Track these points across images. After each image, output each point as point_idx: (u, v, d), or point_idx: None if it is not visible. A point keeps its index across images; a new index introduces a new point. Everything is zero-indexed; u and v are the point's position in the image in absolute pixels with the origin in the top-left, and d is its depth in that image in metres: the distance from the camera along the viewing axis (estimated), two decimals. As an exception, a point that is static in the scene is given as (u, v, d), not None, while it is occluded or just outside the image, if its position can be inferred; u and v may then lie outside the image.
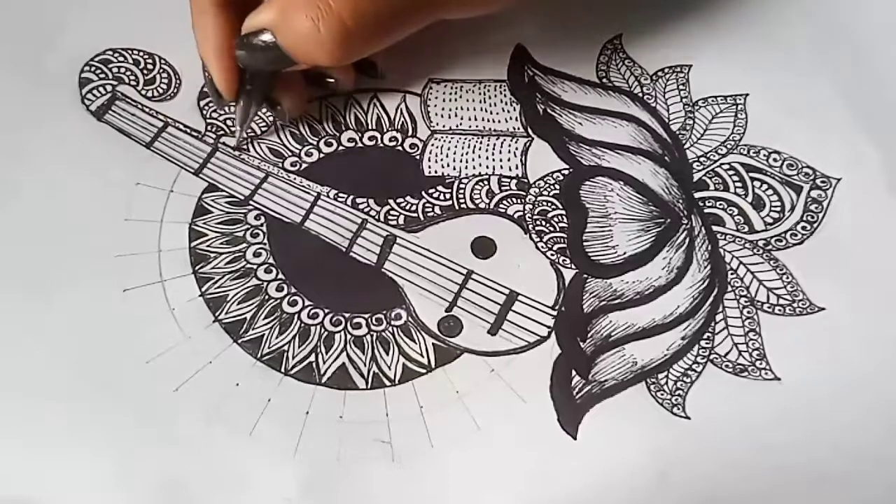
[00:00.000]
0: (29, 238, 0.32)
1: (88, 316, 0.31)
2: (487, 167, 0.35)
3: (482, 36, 0.38)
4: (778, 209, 0.34)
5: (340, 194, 0.34)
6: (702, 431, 0.30)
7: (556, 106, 0.37)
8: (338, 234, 0.33)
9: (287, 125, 0.35)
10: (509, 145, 0.36)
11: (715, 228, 0.34)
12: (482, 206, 0.34)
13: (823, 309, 0.32)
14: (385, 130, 0.36)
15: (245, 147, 0.35)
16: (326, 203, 0.34)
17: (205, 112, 0.36)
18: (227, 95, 0.32)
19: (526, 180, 0.35)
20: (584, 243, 0.34)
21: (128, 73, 0.36)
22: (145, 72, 0.36)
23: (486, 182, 0.35)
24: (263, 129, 0.35)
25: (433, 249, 0.33)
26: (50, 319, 0.31)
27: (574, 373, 0.31)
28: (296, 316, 0.32)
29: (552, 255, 0.33)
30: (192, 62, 0.36)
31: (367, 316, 0.32)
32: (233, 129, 0.35)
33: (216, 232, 0.33)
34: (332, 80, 0.35)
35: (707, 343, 0.32)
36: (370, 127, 0.36)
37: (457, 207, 0.34)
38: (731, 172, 0.35)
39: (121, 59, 0.37)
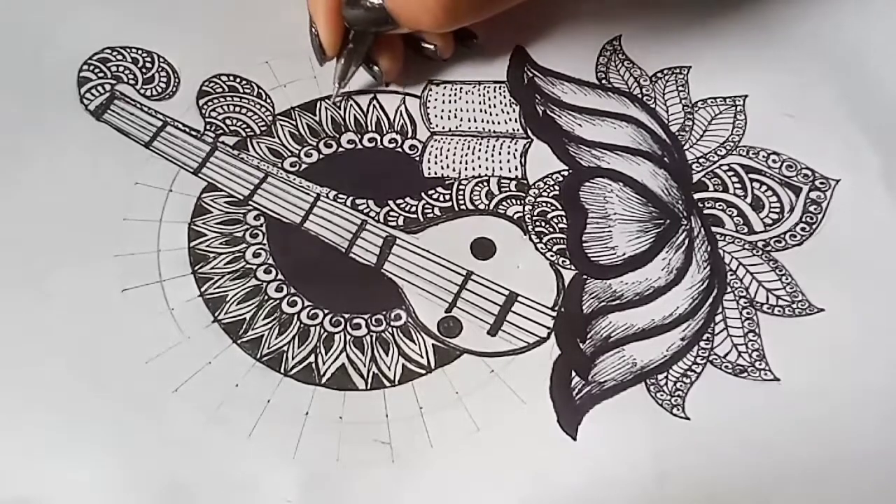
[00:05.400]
0: (27, 238, 0.32)
1: (87, 316, 0.31)
2: (487, 168, 0.35)
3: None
4: (777, 210, 0.35)
5: (340, 195, 0.34)
6: (701, 432, 0.30)
7: (556, 107, 0.37)
8: (337, 234, 0.33)
9: (383, 86, 0.36)
10: (509, 146, 0.36)
11: (714, 229, 0.34)
12: (482, 207, 0.34)
13: (823, 310, 0.32)
14: (385, 132, 0.36)
15: (340, 102, 0.36)
16: (326, 204, 0.34)
17: (203, 111, 0.35)
18: (329, 52, 0.34)
19: (525, 181, 0.35)
20: (584, 244, 0.34)
21: (126, 71, 0.36)
22: (144, 70, 0.36)
23: (485, 183, 0.35)
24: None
25: (433, 250, 0.33)
26: (49, 319, 0.31)
27: (574, 374, 0.31)
28: (295, 316, 0.32)
29: (552, 255, 0.33)
30: (191, 60, 0.36)
31: (366, 316, 0.32)
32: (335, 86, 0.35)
33: (215, 232, 0.33)
34: (430, 47, 0.36)
35: (706, 344, 0.32)
36: (370, 128, 0.36)
37: (456, 208, 0.34)
38: (730, 173, 0.35)
39: (119, 57, 0.36)
